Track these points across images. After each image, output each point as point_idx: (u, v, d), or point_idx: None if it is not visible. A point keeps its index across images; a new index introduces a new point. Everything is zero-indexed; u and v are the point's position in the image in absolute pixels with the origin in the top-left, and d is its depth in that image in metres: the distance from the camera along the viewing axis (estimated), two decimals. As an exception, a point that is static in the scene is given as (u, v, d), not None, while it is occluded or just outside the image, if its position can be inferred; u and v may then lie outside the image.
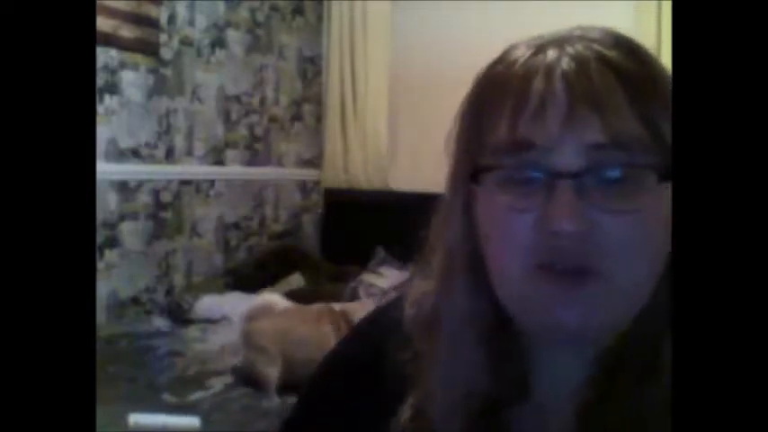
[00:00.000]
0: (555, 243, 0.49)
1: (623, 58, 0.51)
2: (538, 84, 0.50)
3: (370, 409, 0.59)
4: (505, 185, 0.52)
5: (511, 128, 0.51)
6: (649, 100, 0.50)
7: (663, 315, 0.48)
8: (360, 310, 2.28)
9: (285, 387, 1.96)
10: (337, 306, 2.31)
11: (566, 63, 0.51)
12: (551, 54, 0.52)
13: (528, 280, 0.51)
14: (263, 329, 2.06)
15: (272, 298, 2.30)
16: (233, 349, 2.22)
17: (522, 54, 0.53)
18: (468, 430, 0.54)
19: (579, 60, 0.51)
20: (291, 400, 1.92)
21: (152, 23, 2.75)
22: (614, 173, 0.49)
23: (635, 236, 0.49)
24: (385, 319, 0.62)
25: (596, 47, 0.52)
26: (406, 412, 0.57)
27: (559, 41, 0.53)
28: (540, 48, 0.53)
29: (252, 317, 2.13)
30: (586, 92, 0.49)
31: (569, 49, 0.52)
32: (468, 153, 0.56)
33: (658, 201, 0.49)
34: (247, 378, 2.00)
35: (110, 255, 2.62)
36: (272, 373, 1.97)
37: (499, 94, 0.53)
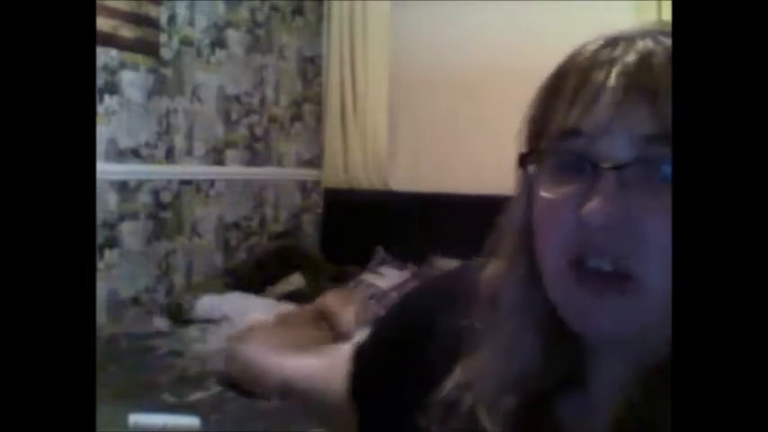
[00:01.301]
0: (589, 236, 0.49)
1: None
2: (597, 75, 0.51)
3: (420, 370, 0.60)
4: (554, 173, 0.52)
5: (564, 116, 0.51)
6: None
7: None
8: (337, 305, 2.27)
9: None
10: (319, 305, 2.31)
11: (630, 56, 0.51)
12: (619, 48, 0.52)
13: (562, 277, 0.51)
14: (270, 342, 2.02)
15: (256, 319, 2.22)
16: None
17: (592, 48, 0.54)
18: (516, 409, 0.54)
19: (644, 54, 0.50)
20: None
21: (152, 23, 2.75)
22: (664, 169, 0.48)
23: None
24: (442, 289, 0.65)
25: (667, 41, 0.51)
26: (450, 383, 0.58)
27: (632, 36, 0.53)
28: (610, 42, 0.53)
29: (249, 337, 2.06)
30: (643, 83, 0.49)
31: (639, 44, 0.51)
32: (531, 141, 0.56)
33: None
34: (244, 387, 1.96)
35: (110, 255, 2.62)
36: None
37: (562, 84, 0.53)
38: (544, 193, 0.52)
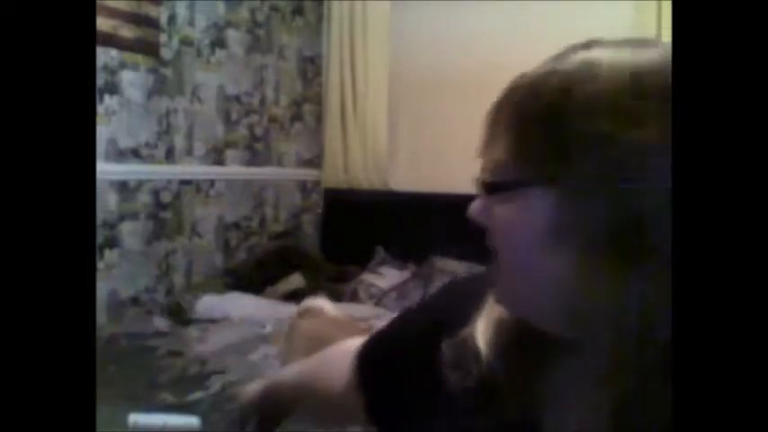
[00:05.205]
0: None
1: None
2: None
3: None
4: None
5: None
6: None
7: None
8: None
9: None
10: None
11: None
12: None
13: None
14: (308, 329, 2.02)
15: (323, 303, 2.22)
16: (233, 349, 2.23)
17: None
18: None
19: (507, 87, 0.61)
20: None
21: (152, 23, 2.75)
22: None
23: None
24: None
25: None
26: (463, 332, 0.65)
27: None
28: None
29: (301, 314, 2.07)
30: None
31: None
32: None
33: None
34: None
35: (110, 255, 2.62)
36: None
37: None
38: None
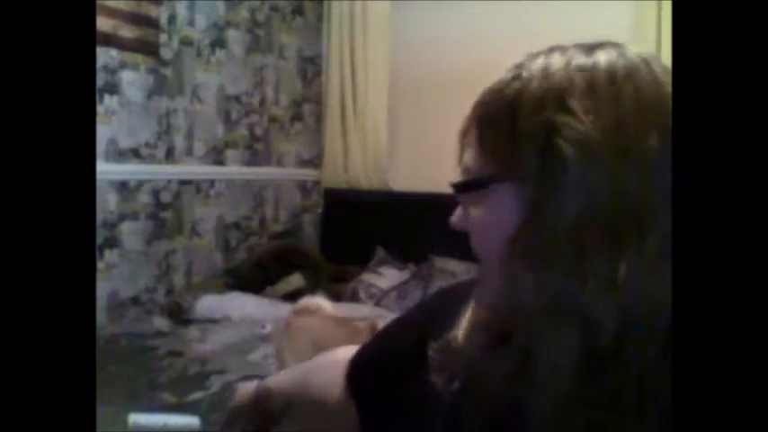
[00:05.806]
0: None
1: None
2: None
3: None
4: None
5: None
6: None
7: None
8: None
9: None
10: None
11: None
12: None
13: None
14: (305, 327, 2.01)
15: (319, 301, 2.22)
16: (233, 349, 2.22)
17: None
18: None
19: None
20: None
21: (152, 23, 2.75)
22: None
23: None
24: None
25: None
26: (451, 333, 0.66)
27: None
28: None
29: (297, 311, 2.06)
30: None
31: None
32: None
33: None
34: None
35: (110, 255, 2.62)
36: None
37: None
38: None
